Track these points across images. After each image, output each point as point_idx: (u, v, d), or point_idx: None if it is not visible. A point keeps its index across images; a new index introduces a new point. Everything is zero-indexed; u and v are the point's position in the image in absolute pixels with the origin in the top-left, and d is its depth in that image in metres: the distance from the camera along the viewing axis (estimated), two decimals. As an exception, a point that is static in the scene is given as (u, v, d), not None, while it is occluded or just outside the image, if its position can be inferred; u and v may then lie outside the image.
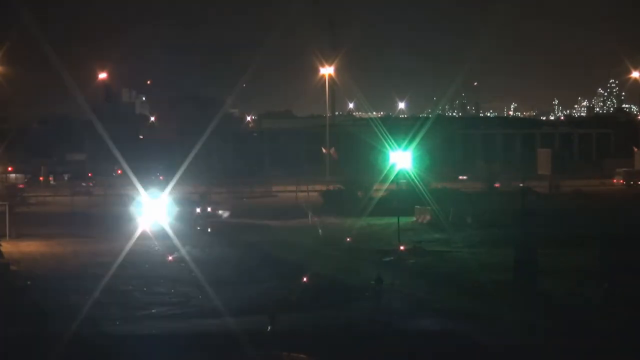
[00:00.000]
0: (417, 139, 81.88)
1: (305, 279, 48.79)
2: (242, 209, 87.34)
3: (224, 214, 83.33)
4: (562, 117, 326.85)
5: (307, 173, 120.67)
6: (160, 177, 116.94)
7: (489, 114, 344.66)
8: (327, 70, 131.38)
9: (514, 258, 46.29)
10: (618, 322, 37.77)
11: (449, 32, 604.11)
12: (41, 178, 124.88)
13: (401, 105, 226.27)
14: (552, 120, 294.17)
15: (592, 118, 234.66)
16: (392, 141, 75.47)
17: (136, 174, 76.11)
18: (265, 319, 37.93)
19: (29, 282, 49.06)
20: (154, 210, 65.45)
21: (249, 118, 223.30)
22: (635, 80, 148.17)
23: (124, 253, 56.95)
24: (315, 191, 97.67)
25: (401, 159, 69.59)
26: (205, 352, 34.13)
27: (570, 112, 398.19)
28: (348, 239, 64.82)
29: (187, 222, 77.02)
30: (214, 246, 63.22)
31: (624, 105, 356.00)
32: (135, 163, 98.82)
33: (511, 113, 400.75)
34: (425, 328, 37.18)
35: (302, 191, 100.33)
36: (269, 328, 36.99)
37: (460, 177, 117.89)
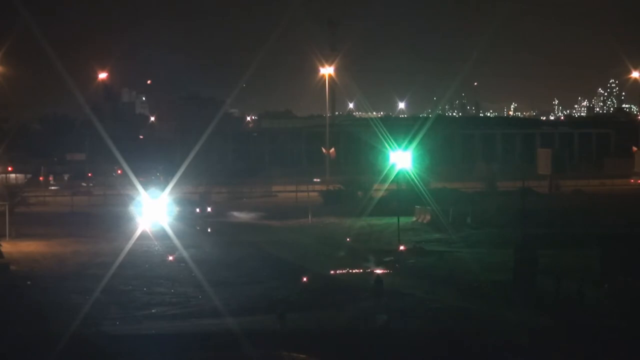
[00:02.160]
0: (417, 139, 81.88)
1: (305, 279, 48.82)
2: (242, 209, 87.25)
3: (241, 215, 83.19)
4: (562, 117, 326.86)
5: (307, 173, 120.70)
6: (160, 178, 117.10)
7: (489, 114, 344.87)
8: (327, 70, 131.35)
9: (514, 258, 46.28)
10: (617, 322, 37.77)
11: (449, 32, 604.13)
12: (41, 178, 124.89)
13: (401, 105, 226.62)
14: (552, 120, 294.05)
15: (592, 118, 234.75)
16: (392, 141, 75.48)
17: (136, 174, 76.15)
18: (275, 318, 38.10)
19: (29, 282, 49.09)
20: (154, 210, 65.45)
21: (249, 118, 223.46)
22: (635, 80, 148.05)
23: (123, 253, 57.11)
24: (315, 191, 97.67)
25: (401, 159, 69.59)
26: (205, 352, 34.13)
27: (570, 112, 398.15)
28: (348, 239, 64.84)
29: (187, 221, 77.24)
30: (214, 246, 63.19)
31: (624, 105, 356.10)
32: (135, 163, 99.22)
33: (511, 113, 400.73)
34: (424, 328, 37.16)
35: (302, 191, 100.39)
36: (278, 326, 37.12)
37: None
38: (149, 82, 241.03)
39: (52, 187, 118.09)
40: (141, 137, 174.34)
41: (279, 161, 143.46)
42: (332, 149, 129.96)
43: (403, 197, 73.92)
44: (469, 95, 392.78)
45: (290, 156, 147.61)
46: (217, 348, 34.40)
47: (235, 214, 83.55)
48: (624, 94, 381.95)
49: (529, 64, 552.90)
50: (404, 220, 68.70)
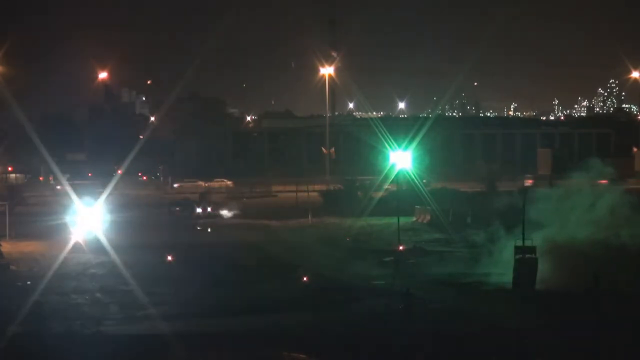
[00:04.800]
0: (417, 139, 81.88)
1: (305, 279, 48.85)
2: (242, 209, 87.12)
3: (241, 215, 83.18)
4: (562, 117, 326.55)
5: (307, 173, 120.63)
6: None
7: (489, 114, 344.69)
8: (327, 70, 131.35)
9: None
10: (615, 321, 37.76)
11: (450, 31, 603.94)
12: (41, 178, 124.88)
13: (401, 105, 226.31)
14: (552, 120, 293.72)
15: (592, 118, 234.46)
16: (392, 141, 75.51)
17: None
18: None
19: (29, 282, 49.09)
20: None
21: (249, 118, 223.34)
22: (635, 80, 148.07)
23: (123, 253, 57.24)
24: (315, 191, 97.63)
25: (401, 159, 69.62)
26: (205, 351, 34.13)
27: (570, 112, 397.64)
28: (348, 239, 64.86)
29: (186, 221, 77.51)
30: (214, 246, 63.17)
31: (624, 105, 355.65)
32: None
33: (511, 113, 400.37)
34: (424, 328, 37.15)
35: (302, 191, 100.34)
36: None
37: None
38: (149, 82, 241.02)
39: (51, 182, 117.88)
40: (141, 137, 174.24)
41: (279, 161, 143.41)
42: (332, 149, 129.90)
43: (403, 197, 73.90)
44: (469, 95, 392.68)
45: (290, 156, 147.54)
46: (217, 348, 34.40)
47: (236, 214, 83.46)
48: (624, 94, 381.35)
49: (529, 64, 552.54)
50: (404, 220, 68.69)
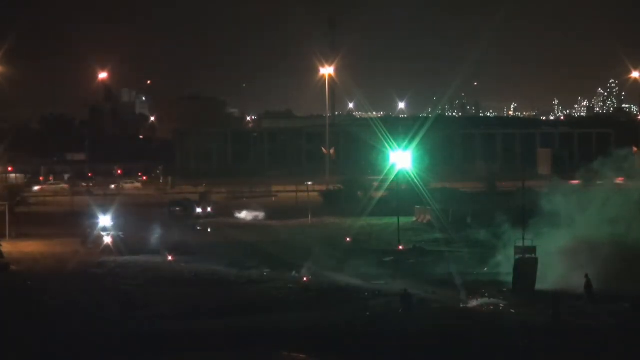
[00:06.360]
0: (417, 139, 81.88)
1: (305, 279, 48.88)
2: (242, 209, 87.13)
3: (241, 215, 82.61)
4: (562, 117, 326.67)
5: (307, 173, 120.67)
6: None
7: (489, 114, 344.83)
8: (327, 70, 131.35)
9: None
10: (614, 321, 37.76)
11: (450, 31, 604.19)
12: (41, 178, 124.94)
13: (401, 105, 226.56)
14: (552, 120, 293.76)
15: (592, 118, 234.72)
16: (392, 141, 75.53)
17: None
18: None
19: (29, 282, 49.11)
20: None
21: (249, 118, 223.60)
22: (635, 80, 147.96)
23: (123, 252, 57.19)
24: (315, 191, 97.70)
25: (401, 159, 69.61)
26: (205, 351, 34.12)
27: (570, 112, 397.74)
28: (348, 239, 64.86)
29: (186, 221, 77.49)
30: (214, 246, 63.18)
31: (624, 105, 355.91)
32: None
33: (511, 113, 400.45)
34: (424, 328, 37.15)
35: (302, 191, 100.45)
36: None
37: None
38: (149, 82, 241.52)
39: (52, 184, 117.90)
40: (141, 137, 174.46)
41: (279, 161, 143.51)
42: (332, 149, 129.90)
43: (403, 197, 73.89)
44: (469, 95, 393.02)
45: (290, 156, 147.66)
46: (217, 348, 34.39)
47: (235, 214, 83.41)
48: (624, 94, 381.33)
49: (528, 64, 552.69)
50: (404, 220, 68.71)
